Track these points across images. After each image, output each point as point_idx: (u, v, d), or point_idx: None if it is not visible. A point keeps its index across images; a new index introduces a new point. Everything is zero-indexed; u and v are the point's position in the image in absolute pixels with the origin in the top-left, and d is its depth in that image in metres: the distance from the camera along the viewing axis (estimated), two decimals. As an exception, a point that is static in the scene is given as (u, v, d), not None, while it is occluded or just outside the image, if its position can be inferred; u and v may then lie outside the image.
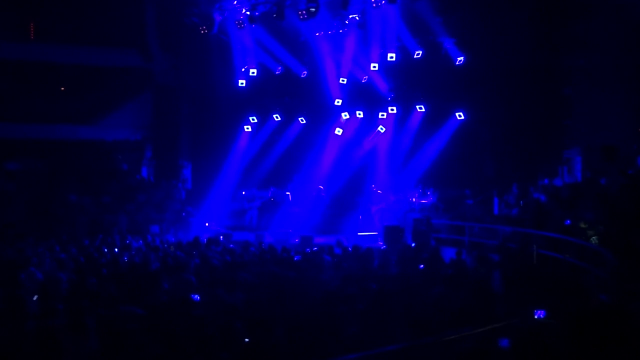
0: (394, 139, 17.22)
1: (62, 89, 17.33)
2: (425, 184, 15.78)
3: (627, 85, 13.02)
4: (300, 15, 14.89)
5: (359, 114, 17.28)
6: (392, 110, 16.88)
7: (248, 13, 15.64)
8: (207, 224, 16.07)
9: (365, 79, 16.78)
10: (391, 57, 15.81)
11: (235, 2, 15.81)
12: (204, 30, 15.86)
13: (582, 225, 9.26)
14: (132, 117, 18.47)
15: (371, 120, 17.32)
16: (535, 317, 4.29)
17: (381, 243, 13.32)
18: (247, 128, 18.13)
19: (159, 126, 18.14)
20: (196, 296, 5.43)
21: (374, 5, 14.72)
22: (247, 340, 4.00)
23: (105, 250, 10.49)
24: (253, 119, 18.00)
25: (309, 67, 17.07)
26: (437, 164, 16.28)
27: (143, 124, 18.39)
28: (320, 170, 17.53)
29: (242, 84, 17.02)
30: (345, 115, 17.38)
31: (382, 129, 17.16)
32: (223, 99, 17.47)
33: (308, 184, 17.10)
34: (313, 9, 14.59)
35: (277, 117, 17.88)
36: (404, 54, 15.96)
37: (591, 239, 8.53)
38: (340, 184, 17.20)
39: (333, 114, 17.49)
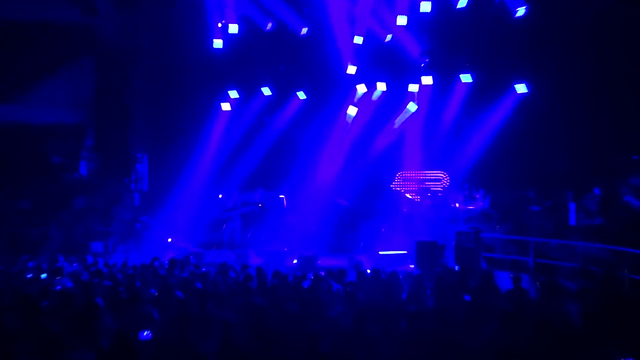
0: (429, 122, 17.36)
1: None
2: (473, 184, 15.86)
3: None
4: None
5: (380, 87, 17.41)
6: (426, 81, 16.95)
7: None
8: (169, 240, 16.24)
9: (388, 38, 16.87)
10: (425, 8, 15.84)
11: None
12: (165, -29, 16.25)
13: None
14: (67, 93, 18.48)
15: (397, 96, 17.43)
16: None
17: (412, 265, 13.43)
18: (226, 107, 18.28)
19: (104, 105, 18.21)
20: (147, 333, 5.39)
21: None
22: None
23: (30, 276, 10.49)
24: (234, 95, 18.16)
25: (311, 22, 17.16)
26: (489, 156, 16.36)
27: (82, 101, 18.42)
28: (327, 165, 17.73)
29: (218, 45, 17.12)
30: (361, 89, 17.56)
31: (412, 107, 17.26)
32: (192, 67, 17.61)
33: (309, 185, 17.33)
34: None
35: (266, 92, 18.03)
36: (443, 3, 15.96)
37: None
38: (355, 185, 17.48)
39: (344, 88, 17.62)
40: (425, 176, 17.58)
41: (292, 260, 14.33)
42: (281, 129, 18.33)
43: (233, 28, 16.83)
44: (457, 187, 16.19)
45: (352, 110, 17.71)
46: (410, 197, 16.80)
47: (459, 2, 15.70)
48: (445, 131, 17.15)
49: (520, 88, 16.25)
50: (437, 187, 17.35)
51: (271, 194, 17.45)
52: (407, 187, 17.47)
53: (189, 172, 17.92)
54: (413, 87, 17.09)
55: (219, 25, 17.03)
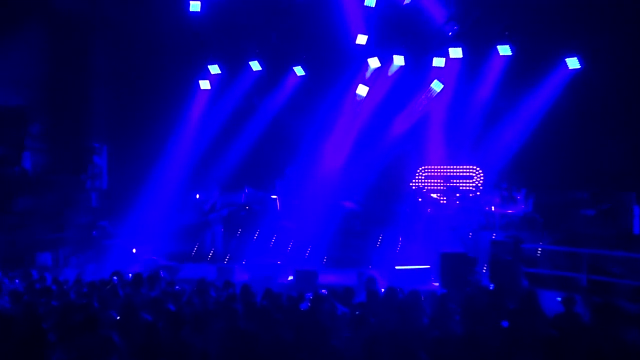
0: (458, 104, 17.41)
1: None
2: (512, 182, 15.83)
3: None
4: None
5: (398, 61, 17.43)
6: (454, 54, 16.94)
7: None
8: (134, 250, 16.29)
9: (407, 0, 16.92)
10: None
11: None
12: None
13: None
14: (8, 68, 18.39)
15: (419, 72, 17.52)
16: None
17: (436, 283, 13.50)
18: (205, 85, 18.43)
19: (55, 84, 18.17)
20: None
21: None
22: None
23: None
24: (215, 70, 18.25)
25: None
26: (532, 147, 16.43)
27: (28, 79, 18.28)
28: (331, 158, 17.85)
29: (195, 8, 17.22)
30: (373, 64, 17.60)
31: (437, 86, 17.28)
32: (164, 36, 17.62)
33: (309, 183, 17.42)
34: None
35: (255, 67, 18.11)
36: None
37: None
38: (366, 183, 17.56)
39: (352, 62, 17.69)
40: (453, 172, 17.60)
41: (287, 277, 14.40)
42: (274, 113, 18.42)
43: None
44: (492, 186, 16.18)
45: (362, 90, 17.71)
46: (434, 198, 16.79)
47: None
48: (477, 116, 17.18)
49: (572, 63, 16.23)
50: (468, 185, 17.37)
51: (261, 193, 17.54)
52: (430, 186, 17.47)
53: (159, 166, 18.01)
54: (438, 62, 17.11)
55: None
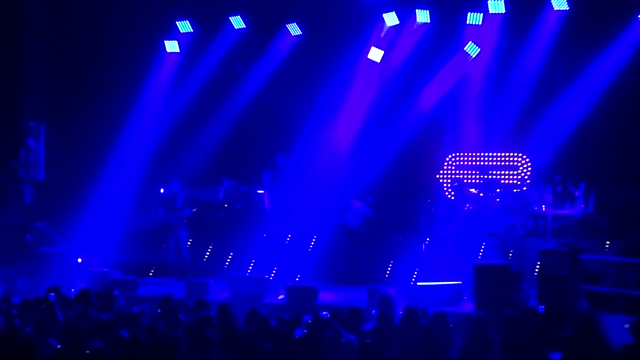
0: (499, 73, 17.43)
1: None
2: (567, 174, 15.92)
3: None
4: None
5: (422, 18, 17.46)
6: (494, 8, 16.98)
7: None
8: (79, 260, 16.29)
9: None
10: None
11: None
12: None
13: None
14: None
15: (449, 32, 17.53)
16: None
17: (469, 304, 13.53)
18: (172, 47, 18.47)
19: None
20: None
21: None
22: None
23: None
24: (185, 28, 18.27)
25: None
26: (593, 130, 16.45)
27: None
28: (336, 143, 17.94)
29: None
30: (390, 21, 17.60)
31: (472, 50, 17.36)
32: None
33: (307, 175, 17.54)
34: None
35: (238, 24, 18.11)
36: None
37: None
38: (380, 175, 17.62)
39: (363, 18, 17.73)
40: (492, 161, 17.53)
41: (278, 295, 14.47)
42: (262, 85, 18.45)
43: None
44: (542, 180, 16.13)
45: (375, 55, 17.71)
46: (472, 193, 16.73)
47: None
48: (523, 89, 17.15)
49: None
50: (512, 178, 17.31)
51: (244, 188, 17.60)
52: (462, 178, 17.43)
53: (111, 152, 18.08)
54: (474, 18, 17.12)
55: None
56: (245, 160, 18.27)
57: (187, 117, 18.51)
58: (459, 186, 17.13)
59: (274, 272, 15.81)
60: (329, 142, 18.04)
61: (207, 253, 17.15)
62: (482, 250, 15.46)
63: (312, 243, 16.59)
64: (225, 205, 17.37)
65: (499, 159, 17.51)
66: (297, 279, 15.52)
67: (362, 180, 17.45)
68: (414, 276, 15.14)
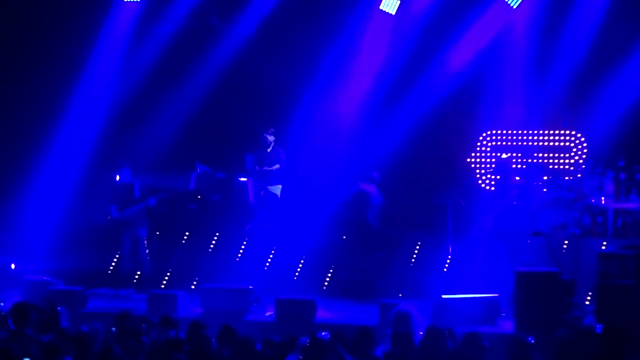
0: (547, 30, 17.44)
1: None
2: (632, 159, 16.03)
3: None
4: None
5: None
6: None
7: None
8: (12, 266, 16.33)
9: None
10: None
11: None
12: None
13: None
14: None
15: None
16: None
17: (509, 321, 13.48)
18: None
19: None
20: None
21: None
22: None
23: None
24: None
25: None
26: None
27: None
28: (338, 118, 18.09)
29: None
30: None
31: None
32: None
33: (302, 159, 17.78)
34: None
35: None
36: None
37: None
38: (396, 158, 17.67)
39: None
40: (538, 141, 17.55)
41: (265, 311, 14.51)
42: (245, 43, 18.46)
43: None
44: (601, 165, 16.10)
45: (389, 5, 17.75)
46: (511, 181, 16.66)
47: None
48: (580, 50, 17.17)
49: None
50: (562, 163, 17.30)
51: (222, 175, 17.65)
52: (499, 163, 17.37)
53: (53, 132, 18.17)
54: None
55: None
56: (224, 139, 18.37)
57: (148, 85, 18.57)
58: (502, 170, 17.01)
59: (259, 281, 15.67)
60: (331, 118, 18.15)
61: (175, 257, 17.12)
62: (525, 254, 15.37)
63: (309, 244, 16.57)
64: (198, 197, 17.49)
65: (546, 138, 17.54)
66: (289, 291, 15.37)
67: (372, 166, 17.40)
68: (439, 287, 14.98)
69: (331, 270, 16.50)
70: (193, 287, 15.95)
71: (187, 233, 17.24)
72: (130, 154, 17.52)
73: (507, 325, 13.27)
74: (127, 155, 17.33)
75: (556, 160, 17.33)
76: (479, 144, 17.82)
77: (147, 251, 16.78)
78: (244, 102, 18.47)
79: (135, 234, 16.66)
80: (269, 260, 16.43)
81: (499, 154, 17.44)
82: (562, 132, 17.41)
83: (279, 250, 16.53)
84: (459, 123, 17.95)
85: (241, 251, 16.65)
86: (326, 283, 16.20)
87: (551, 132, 17.48)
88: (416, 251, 16.29)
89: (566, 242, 15.37)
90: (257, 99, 18.37)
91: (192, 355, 9.39)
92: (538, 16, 17.38)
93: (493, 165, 17.41)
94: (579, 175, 16.84)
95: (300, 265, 16.34)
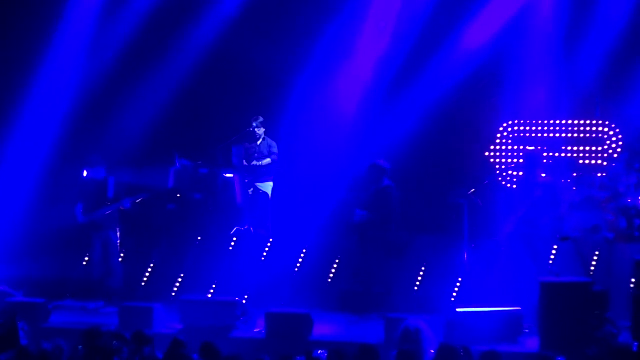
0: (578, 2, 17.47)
1: None
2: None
3: None
4: None
5: None
6: None
7: None
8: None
9: None
10: None
11: None
12: None
13: None
14: None
15: None
16: None
17: (533, 338, 13.47)
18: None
19: None
20: None
21: None
22: None
23: None
24: None
25: None
26: None
27: None
28: (337, 105, 18.17)
29: None
30: None
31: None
32: None
33: (293, 151, 17.89)
34: None
35: None
36: None
37: None
38: (403, 152, 17.65)
39: None
40: (567, 132, 17.56)
41: (254, 326, 14.52)
42: (230, 23, 18.57)
43: None
44: (638, 160, 16.13)
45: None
46: (537, 178, 16.68)
47: None
48: (615, 27, 17.18)
49: None
50: (595, 158, 17.30)
51: (205, 171, 17.63)
52: (522, 157, 17.42)
53: (9, 123, 18.26)
54: None
55: None
56: (207, 130, 18.44)
57: (120, 69, 18.67)
58: (525, 166, 16.99)
59: (248, 292, 15.74)
60: (330, 106, 18.28)
61: (151, 265, 17.12)
62: (551, 261, 15.45)
63: (304, 250, 16.58)
64: (178, 196, 17.45)
65: (576, 129, 17.56)
66: (281, 303, 15.46)
67: (377, 160, 17.42)
68: (453, 299, 15.25)
69: (330, 280, 16.45)
70: (171, 298, 15.94)
71: (164, 237, 17.26)
72: (100, 147, 17.52)
73: (531, 343, 13.24)
74: (99, 150, 17.31)
75: (587, 155, 17.34)
76: (499, 135, 17.90)
77: (119, 257, 16.77)
78: (230, 87, 18.60)
79: (107, 237, 16.57)
80: (259, 268, 16.41)
81: (522, 147, 17.50)
82: (593, 122, 17.44)
83: (271, 257, 16.54)
84: (476, 112, 18.01)
85: (227, 258, 16.62)
86: (324, 295, 16.09)
87: (581, 122, 17.52)
88: (427, 258, 16.25)
89: (598, 247, 15.39)
90: (245, 83, 18.49)
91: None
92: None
93: (515, 160, 17.43)
94: (613, 172, 16.86)
95: (294, 275, 16.29)
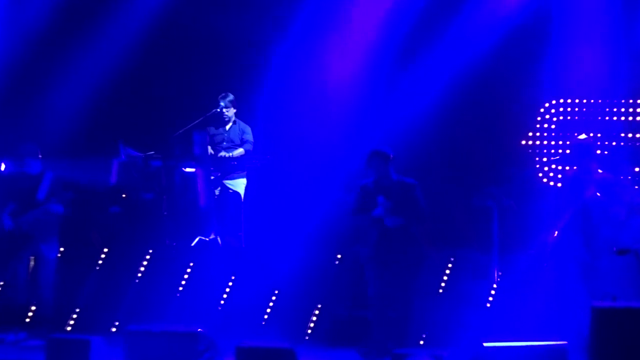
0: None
1: None
2: None
3: None
4: None
5: None
6: None
7: None
8: None
9: None
10: None
11: None
12: None
13: None
14: None
15: None
16: None
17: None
18: None
19: None
20: None
21: None
22: None
23: None
24: None
25: None
26: None
27: None
28: (325, 79, 18.51)
29: None
30: None
31: None
32: None
33: (272, 140, 18.19)
34: None
35: None
36: None
37: None
38: (411, 139, 17.82)
39: None
40: (627, 115, 17.69)
41: (221, 363, 14.68)
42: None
43: None
44: None
45: None
46: (593, 174, 16.76)
47: None
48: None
49: None
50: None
51: (158, 164, 17.79)
52: (570, 147, 17.54)
53: None
54: None
55: None
56: (160, 112, 18.72)
57: (50, 39, 18.95)
58: (574, 159, 16.99)
59: (213, 321, 15.67)
60: (319, 84, 18.60)
61: (88, 286, 17.08)
62: (606, 281, 15.54)
63: (288, 265, 16.50)
64: (123, 196, 17.55)
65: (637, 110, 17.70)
66: (256, 336, 15.52)
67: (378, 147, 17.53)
68: (479, 329, 15.28)
69: (319, 307, 16.46)
70: (114, 329, 16.11)
71: (105, 250, 17.21)
72: (26, 135, 17.63)
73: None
74: (28, 137, 17.42)
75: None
76: (539, 119, 18.00)
77: (51, 278, 16.84)
78: (190, 59, 18.87)
79: (37, 252, 16.69)
80: (228, 290, 16.50)
81: (569, 134, 17.59)
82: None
83: (243, 275, 16.57)
84: (509, 89, 18.15)
85: (186, 277, 16.71)
86: (311, 324, 16.20)
87: None
88: (446, 277, 16.31)
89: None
90: (211, 53, 18.76)
91: None
92: None
93: (560, 151, 17.52)
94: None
95: (274, 299, 16.40)
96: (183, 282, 16.68)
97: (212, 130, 17.60)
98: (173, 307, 16.28)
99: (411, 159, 17.33)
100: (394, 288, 15.04)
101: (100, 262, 17.32)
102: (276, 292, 16.43)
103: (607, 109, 17.69)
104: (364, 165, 15.01)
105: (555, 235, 16.08)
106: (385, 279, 15.02)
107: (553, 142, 17.75)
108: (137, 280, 16.96)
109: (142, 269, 16.97)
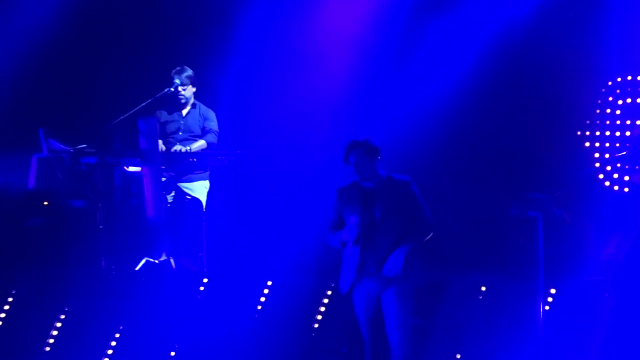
0: None
1: None
2: None
3: None
4: None
5: None
6: None
7: None
8: None
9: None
10: None
11: None
12: None
13: None
14: None
15: None
16: None
17: None
18: None
19: None
20: None
21: None
22: None
23: None
24: None
25: None
26: None
27: None
28: (311, 53, 18.85)
29: None
30: None
31: None
32: None
33: (243, 132, 18.48)
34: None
35: None
36: None
37: None
38: (423, 129, 18.06)
39: None
40: None
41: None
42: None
43: None
44: None
45: None
46: None
47: None
48: None
49: None
50: None
51: (92, 160, 17.55)
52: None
53: None
54: None
55: None
56: (95, 94, 18.75)
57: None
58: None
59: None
60: (302, 56, 18.97)
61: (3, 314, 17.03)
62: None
63: (265, 291, 16.50)
64: (45, 203, 17.46)
65: None
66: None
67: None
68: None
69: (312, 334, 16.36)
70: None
71: (22, 274, 17.03)
72: None
73: None
74: None
75: None
76: (599, 102, 17.96)
77: None
78: (135, 26, 18.92)
79: None
80: (186, 324, 16.33)
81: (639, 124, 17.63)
82: None
83: (206, 306, 16.46)
84: (558, 64, 18.09)
85: (130, 309, 16.48)
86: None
87: None
88: (477, 309, 16.22)
89: None
90: (160, 21, 18.79)
91: None
92: None
93: (627, 146, 17.53)
94: None
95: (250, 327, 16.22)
96: (126, 317, 16.46)
97: (164, 116, 17.55)
98: (114, 346, 16.06)
99: (428, 158, 17.40)
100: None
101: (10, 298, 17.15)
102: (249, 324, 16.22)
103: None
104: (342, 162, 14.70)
105: (621, 256, 16.10)
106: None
107: (618, 133, 17.56)
108: (65, 314, 16.66)
109: (73, 298, 16.70)
